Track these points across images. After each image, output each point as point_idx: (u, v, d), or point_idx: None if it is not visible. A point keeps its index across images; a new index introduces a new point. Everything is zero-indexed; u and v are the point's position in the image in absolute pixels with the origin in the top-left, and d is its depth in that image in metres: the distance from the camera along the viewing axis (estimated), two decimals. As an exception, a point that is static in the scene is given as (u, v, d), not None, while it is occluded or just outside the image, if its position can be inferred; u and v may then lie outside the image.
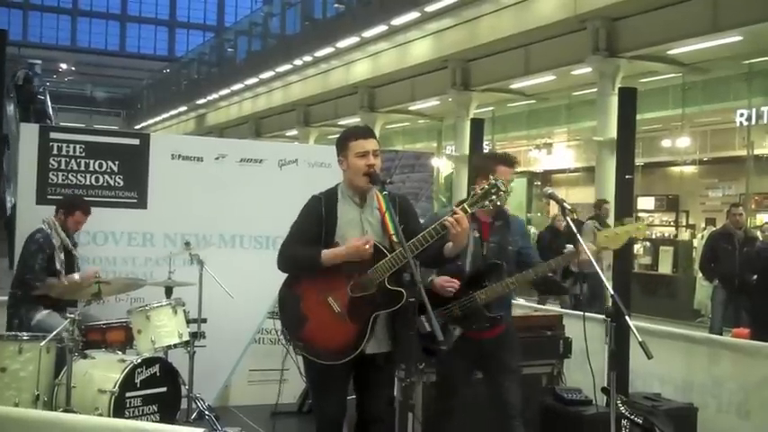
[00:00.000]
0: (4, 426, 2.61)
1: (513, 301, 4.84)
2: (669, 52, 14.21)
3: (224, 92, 31.02)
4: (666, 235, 17.55)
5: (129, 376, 4.92)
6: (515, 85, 18.00)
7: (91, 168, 6.10)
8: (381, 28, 19.22)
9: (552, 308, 7.82)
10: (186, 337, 5.43)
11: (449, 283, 4.10)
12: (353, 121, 20.57)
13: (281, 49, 25.73)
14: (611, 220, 10.08)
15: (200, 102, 34.01)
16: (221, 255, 6.13)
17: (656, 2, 12.88)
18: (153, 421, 4.93)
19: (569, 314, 5.71)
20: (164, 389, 5.10)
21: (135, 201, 6.20)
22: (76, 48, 53.59)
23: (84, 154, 6.08)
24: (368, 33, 19.83)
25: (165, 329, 5.31)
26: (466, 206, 3.62)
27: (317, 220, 3.76)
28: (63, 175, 6.03)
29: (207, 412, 5.61)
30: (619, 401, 4.11)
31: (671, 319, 11.30)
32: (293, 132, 27.19)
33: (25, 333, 4.93)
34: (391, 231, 3.70)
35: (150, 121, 43.08)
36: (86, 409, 4.76)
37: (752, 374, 5.07)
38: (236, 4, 55.15)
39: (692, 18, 12.68)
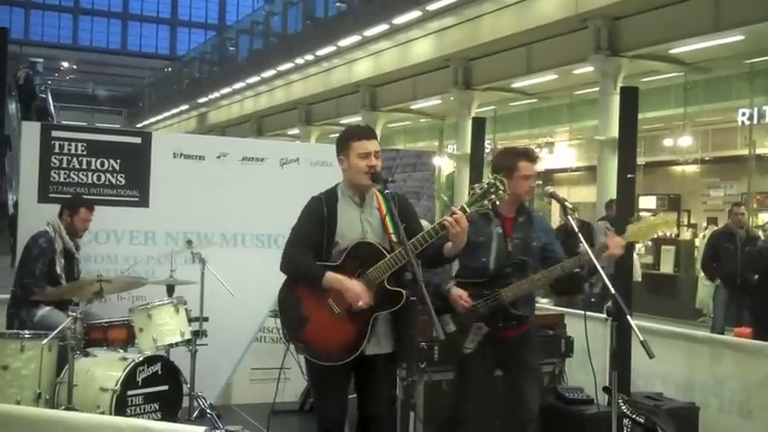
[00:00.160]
0: (6, 424, 2.61)
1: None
2: (671, 51, 14.20)
3: (225, 90, 31.03)
4: (668, 234, 17.53)
5: (131, 374, 4.92)
6: (517, 84, 17.99)
7: (92, 167, 6.10)
8: (383, 27, 19.22)
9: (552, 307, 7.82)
10: (188, 336, 5.43)
11: (462, 300, 4.06)
12: (355, 119, 20.55)
13: (283, 48, 25.73)
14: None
15: (202, 100, 34.01)
16: (223, 253, 6.13)
17: (657, 1, 12.86)
18: (154, 419, 4.92)
19: (571, 313, 5.70)
20: (165, 387, 5.10)
21: (137, 199, 6.20)
22: (78, 46, 53.64)
23: (85, 152, 6.09)
24: (369, 32, 19.82)
25: (166, 328, 5.31)
26: (465, 206, 3.62)
27: (319, 222, 3.76)
28: (65, 173, 6.03)
29: (208, 411, 5.61)
30: (620, 401, 4.09)
31: (673, 319, 11.29)
32: (295, 131, 27.19)
33: (27, 331, 4.94)
34: (391, 231, 3.70)
35: (152, 120, 43.08)
36: (88, 408, 4.76)
37: (754, 374, 5.07)
38: (237, 3, 55.14)
39: (694, 17, 12.67)
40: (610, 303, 3.65)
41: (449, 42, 17.63)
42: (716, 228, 12.96)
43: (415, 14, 17.83)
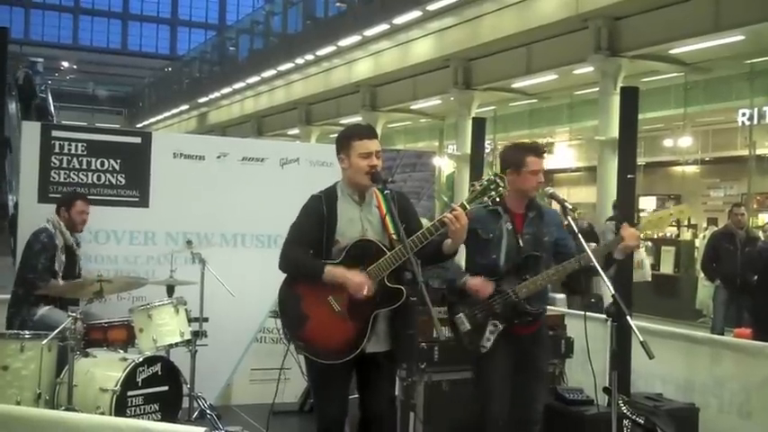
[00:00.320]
0: (5, 424, 2.61)
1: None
2: (671, 52, 14.21)
3: (226, 90, 31.04)
4: (668, 235, 17.53)
5: (131, 375, 4.91)
6: (517, 85, 18.00)
7: (93, 167, 6.10)
8: (383, 27, 19.23)
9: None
10: (188, 336, 5.42)
11: (481, 286, 4.00)
12: (355, 119, 20.55)
13: (283, 48, 25.74)
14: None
15: (202, 100, 34.02)
16: (223, 253, 6.12)
17: (658, 1, 12.87)
18: (154, 420, 4.92)
19: (571, 314, 5.70)
20: (165, 388, 5.10)
21: (137, 199, 6.19)
22: (78, 46, 53.66)
23: (85, 152, 6.08)
24: (370, 32, 19.83)
25: (166, 328, 5.30)
26: (465, 203, 3.62)
27: (319, 220, 3.75)
28: (65, 173, 6.02)
29: (208, 411, 5.60)
30: (620, 401, 4.09)
31: (673, 319, 11.28)
32: (295, 131, 27.20)
33: (27, 331, 4.93)
34: (391, 231, 3.69)
35: (152, 120, 43.09)
36: (88, 408, 4.76)
37: (754, 375, 5.06)
38: (237, 3, 55.17)
39: (694, 17, 12.67)
40: (610, 304, 3.65)
41: (449, 42, 17.63)
42: (716, 228, 12.97)
43: (415, 14, 17.84)
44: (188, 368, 5.48)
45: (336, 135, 3.91)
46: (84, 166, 6.08)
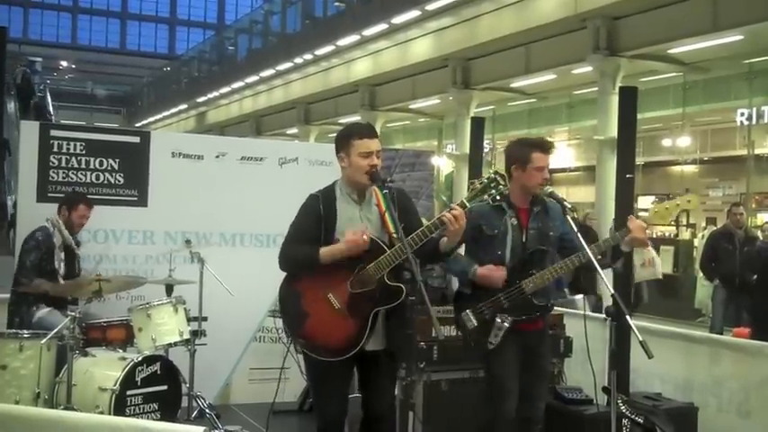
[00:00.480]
0: (4, 423, 2.61)
1: None
2: (670, 51, 14.20)
3: (224, 90, 30.99)
4: (667, 234, 17.53)
5: (130, 374, 4.92)
6: (516, 84, 17.99)
7: (91, 166, 6.10)
8: (382, 26, 19.20)
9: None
10: (187, 336, 5.43)
11: (491, 272, 3.96)
12: (354, 119, 20.55)
13: (282, 47, 25.70)
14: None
15: (201, 100, 33.99)
16: (222, 253, 6.13)
17: (656, 1, 12.86)
18: (154, 419, 4.92)
19: (570, 313, 5.70)
20: (164, 387, 5.10)
21: (135, 199, 6.19)
22: (77, 45, 53.60)
23: (84, 152, 6.08)
24: (368, 32, 19.81)
25: (165, 327, 5.31)
26: (465, 201, 3.61)
27: (317, 219, 3.75)
28: (63, 172, 6.02)
29: (207, 410, 5.61)
30: (619, 401, 4.09)
31: (672, 319, 11.30)
32: (294, 130, 27.17)
33: (26, 331, 4.94)
34: (391, 230, 3.68)
35: (151, 119, 43.05)
36: (87, 407, 4.76)
37: (752, 374, 5.07)
38: (236, 2, 55.06)
39: (693, 17, 12.67)
40: (609, 303, 3.65)
41: (447, 42, 17.62)
42: (715, 228, 12.97)
43: (413, 14, 17.82)
44: (187, 367, 5.48)
45: (335, 134, 3.88)
46: (83, 166, 6.07)
